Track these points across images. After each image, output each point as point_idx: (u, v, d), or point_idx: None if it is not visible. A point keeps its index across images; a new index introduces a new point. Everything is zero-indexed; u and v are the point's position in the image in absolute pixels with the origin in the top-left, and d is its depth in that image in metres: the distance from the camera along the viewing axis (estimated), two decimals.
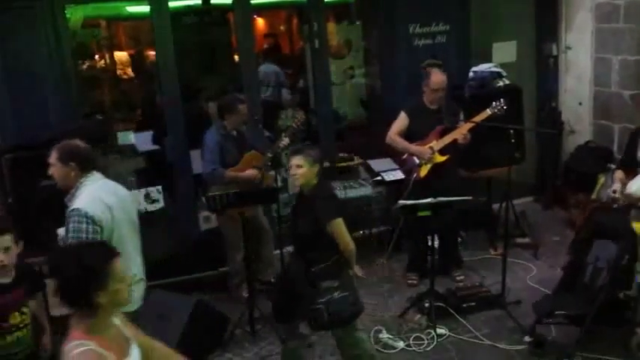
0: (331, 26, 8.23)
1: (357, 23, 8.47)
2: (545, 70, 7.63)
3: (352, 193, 6.06)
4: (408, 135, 5.71)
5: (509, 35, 7.36)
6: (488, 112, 5.47)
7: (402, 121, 5.72)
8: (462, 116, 5.67)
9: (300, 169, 3.99)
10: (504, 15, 7.33)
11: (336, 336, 4.18)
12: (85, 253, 2.40)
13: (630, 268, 4.46)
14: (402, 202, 5.07)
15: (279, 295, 4.45)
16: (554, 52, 7.51)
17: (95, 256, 2.37)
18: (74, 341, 2.30)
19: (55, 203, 4.72)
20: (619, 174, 4.83)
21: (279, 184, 5.81)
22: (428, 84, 5.61)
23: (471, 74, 6.80)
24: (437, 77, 5.57)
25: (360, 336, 4.18)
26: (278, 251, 5.66)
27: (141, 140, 6.77)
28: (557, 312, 4.65)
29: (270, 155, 5.53)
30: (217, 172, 5.46)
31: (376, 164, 6.51)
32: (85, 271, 2.30)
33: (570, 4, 7.32)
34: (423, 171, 5.61)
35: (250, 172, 5.51)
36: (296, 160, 4.00)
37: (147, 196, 6.04)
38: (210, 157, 5.47)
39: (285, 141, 5.54)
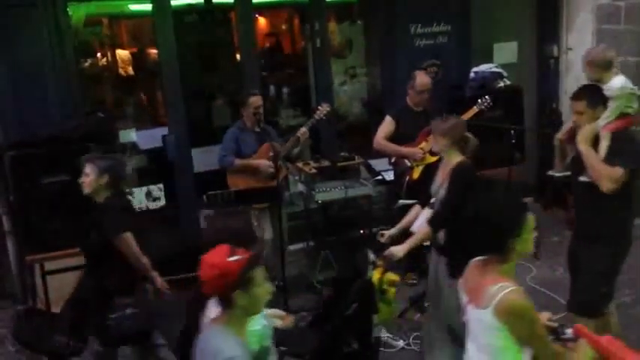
0: (332, 26, 8.25)
1: (359, 23, 8.49)
2: (546, 70, 7.64)
3: (353, 193, 6.06)
4: (396, 138, 5.72)
5: (511, 36, 7.37)
6: (475, 109, 5.54)
7: (388, 125, 5.74)
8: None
9: (87, 178, 3.94)
10: (505, 16, 7.34)
11: (135, 353, 4.18)
12: (511, 205, 2.71)
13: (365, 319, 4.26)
14: (402, 201, 5.08)
15: (72, 311, 4.30)
16: (555, 53, 7.52)
17: (517, 208, 2.67)
18: (498, 284, 2.55)
19: (56, 200, 4.77)
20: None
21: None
22: (413, 86, 5.65)
23: (471, 75, 6.82)
24: (422, 79, 5.63)
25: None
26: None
27: (142, 138, 6.78)
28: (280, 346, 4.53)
29: (290, 144, 5.63)
30: (226, 159, 5.61)
31: (377, 164, 6.52)
32: (511, 220, 2.60)
33: (571, 5, 7.32)
34: (416, 173, 5.62)
35: (260, 162, 5.55)
36: (85, 168, 3.95)
37: (148, 194, 6.05)
38: (224, 145, 5.68)
39: (303, 131, 5.63)
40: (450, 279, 4.08)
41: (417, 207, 4.45)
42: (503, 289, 2.53)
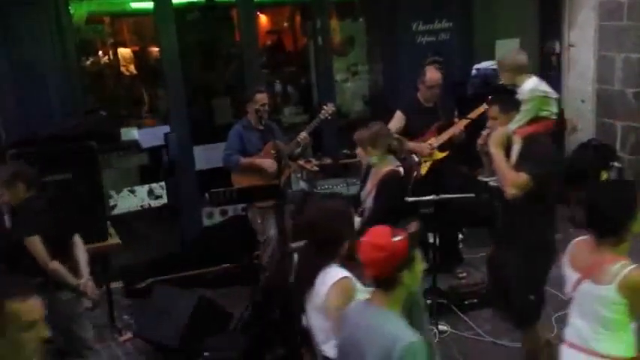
0: (334, 23, 8.24)
1: (361, 20, 8.47)
2: (548, 67, 7.62)
3: (355, 190, 6.06)
4: (406, 133, 5.71)
5: (512, 33, 7.36)
6: (482, 108, 5.49)
7: (398, 120, 5.73)
8: (455, 113, 5.71)
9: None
10: (507, 12, 7.33)
11: None
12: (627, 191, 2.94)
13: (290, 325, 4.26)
14: (405, 198, 5.07)
15: None
16: (557, 50, 7.51)
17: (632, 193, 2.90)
18: (619, 263, 2.78)
19: (58, 198, 4.76)
20: None
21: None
22: (424, 81, 5.63)
23: (473, 72, 6.81)
24: (432, 74, 5.60)
25: None
26: None
27: (144, 136, 6.78)
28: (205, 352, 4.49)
29: (292, 146, 5.64)
30: (232, 158, 5.62)
31: None
32: (628, 204, 2.84)
33: (573, 1, 7.31)
34: (424, 169, 5.62)
35: (264, 161, 5.56)
36: None
37: (150, 192, 6.06)
38: (228, 143, 5.69)
39: (303, 136, 5.67)
40: None
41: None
42: (625, 266, 2.77)
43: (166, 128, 6.62)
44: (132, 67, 9.65)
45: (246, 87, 6.52)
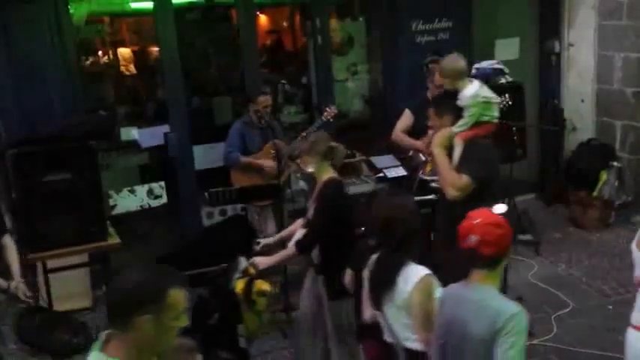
0: (334, 23, 8.23)
1: (360, 20, 8.47)
2: (548, 67, 7.63)
3: (354, 190, 6.05)
4: (414, 132, 5.69)
5: (512, 32, 7.36)
6: None
7: (406, 118, 5.72)
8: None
9: None
10: (507, 12, 7.33)
11: None
12: None
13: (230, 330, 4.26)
14: None
15: None
16: (557, 49, 7.50)
17: None
18: None
19: (58, 198, 4.76)
20: None
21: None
22: (433, 80, 5.60)
23: (473, 71, 6.77)
24: None
25: None
26: None
27: (144, 136, 6.78)
28: None
29: (292, 147, 5.63)
30: (232, 156, 5.67)
31: (378, 161, 6.50)
32: None
33: (573, 1, 7.31)
34: (428, 168, 5.61)
35: (264, 162, 5.57)
36: None
37: (150, 192, 6.05)
38: (229, 141, 5.74)
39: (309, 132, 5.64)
40: (328, 301, 4.02)
41: (301, 219, 4.36)
42: None
43: (166, 128, 6.62)
44: (132, 67, 9.65)
45: (245, 87, 6.53)
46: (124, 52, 9.68)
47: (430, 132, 4.16)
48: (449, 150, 3.95)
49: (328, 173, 4.03)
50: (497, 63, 6.83)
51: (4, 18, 5.63)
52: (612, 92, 6.92)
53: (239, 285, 4.02)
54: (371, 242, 3.35)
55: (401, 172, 6.05)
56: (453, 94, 4.04)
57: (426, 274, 3.04)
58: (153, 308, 1.98)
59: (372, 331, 3.27)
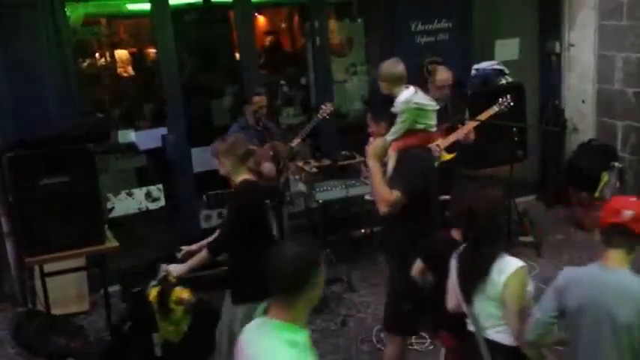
0: (333, 24, 8.20)
1: (359, 20, 8.44)
2: (548, 67, 7.61)
3: (354, 192, 6.02)
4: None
5: (512, 33, 7.33)
6: (495, 108, 5.43)
7: None
8: (467, 114, 5.64)
9: None
10: (507, 12, 7.30)
11: None
12: None
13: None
14: None
15: None
16: (557, 50, 7.48)
17: None
18: None
19: (55, 201, 4.72)
20: None
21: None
22: (434, 81, 5.56)
23: (473, 72, 6.77)
24: (442, 74, 5.52)
25: None
26: None
27: (141, 139, 6.75)
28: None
29: (291, 146, 5.64)
30: None
31: None
32: None
33: (573, 1, 7.29)
34: None
35: (263, 165, 5.55)
36: None
37: (148, 195, 6.02)
38: None
39: (304, 133, 5.69)
40: (233, 305, 3.98)
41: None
42: None
43: (163, 130, 6.59)
44: (129, 69, 9.60)
45: (244, 88, 6.49)
46: (121, 53, 9.64)
47: (371, 139, 4.03)
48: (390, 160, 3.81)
49: (243, 175, 3.97)
50: (498, 63, 6.81)
51: (0, 20, 5.59)
52: (613, 92, 6.89)
53: (152, 293, 3.96)
54: (455, 234, 3.37)
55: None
56: (392, 99, 3.91)
57: (521, 266, 3.07)
58: (314, 274, 2.31)
59: (452, 321, 3.29)
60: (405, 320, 3.93)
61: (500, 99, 5.43)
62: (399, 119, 3.81)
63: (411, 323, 3.99)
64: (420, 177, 3.77)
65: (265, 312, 2.37)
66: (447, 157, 5.52)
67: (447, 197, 4.81)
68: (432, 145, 5.50)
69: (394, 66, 4.09)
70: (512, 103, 5.40)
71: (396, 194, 3.65)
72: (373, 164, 3.79)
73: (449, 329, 3.46)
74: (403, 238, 3.83)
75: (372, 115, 3.99)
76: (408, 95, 3.84)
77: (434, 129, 3.99)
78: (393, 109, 3.84)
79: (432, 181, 3.93)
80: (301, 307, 2.32)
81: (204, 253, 4.00)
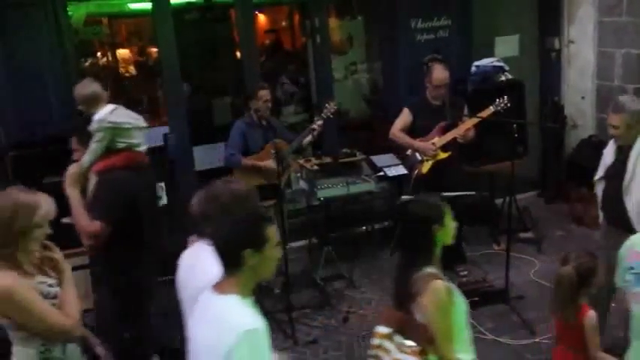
0: (333, 22, 8.23)
1: (359, 18, 8.46)
2: (548, 64, 7.61)
3: (355, 189, 6.04)
4: (412, 131, 5.70)
5: (512, 29, 7.34)
6: (492, 109, 5.44)
7: (405, 117, 5.72)
8: (466, 111, 5.66)
9: None
10: (507, 9, 7.30)
11: None
12: None
13: None
14: (405, 197, 5.07)
15: None
16: (557, 46, 7.48)
17: None
18: None
19: (58, 201, 4.75)
20: None
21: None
22: (430, 80, 5.59)
23: (473, 69, 6.79)
24: (439, 73, 5.55)
25: None
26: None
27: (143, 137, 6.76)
28: None
29: (294, 145, 5.64)
30: (234, 158, 5.62)
31: (379, 160, 6.50)
32: None
33: None
34: (425, 167, 5.61)
35: (265, 163, 5.58)
36: None
37: None
38: (231, 143, 5.69)
39: (314, 128, 5.66)
40: None
41: None
42: None
43: (165, 129, 6.61)
44: (130, 68, 9.64)
45: (245, 87, 6.51)
46: (123, 53, 9.68)
47: (73, 164, 3.69)
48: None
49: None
50: (498, 60, 6.83)
51: (2, 20, 5.62)
52: (613, 89, 6.89)
53: None
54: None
55: (401, 170, 6.05)
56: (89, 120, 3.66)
57: None
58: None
59: None
60: (134, 345, 3.75)
61: (498, 99, 5.44)
62: (94, 140, 3.56)
63: (144, 347, 3.83)
64: (120, 201, 3.51)
65: None
66: (443, 155, 5.55)
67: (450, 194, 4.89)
68: (428, 143, 5.56)
69: (84, 87, 3.96)
70: (508, 104, 5.41)
71: (96, 225, 3.40)
72: (70, 192, 3.47)
73: None
74: (114, 269, 3.66)
75: (77, 138, 3.68)
76: (102, 114, 3.59)
77: (141, 147, 3.72)
78: (90, 129, 3.58)
79: (139, 204, 3.63)
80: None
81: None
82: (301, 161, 6.20)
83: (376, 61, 7.72)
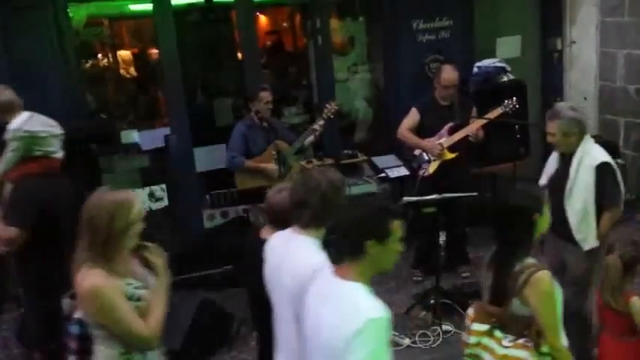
0: (334, 22, 8.22)
1: (361, 19, 8.45)
2: (550, 64, 7.59)
3: (356, 190, 6.04)
4: (420, 131, 5.67)
5: (514, 30, 7.33)
6: (500, 110, 5.41)
7: (412, 116, 5.69)
8: (474, 112, 5.64)
9: None
10: (508, 10, 7.30)
11: None
12: None
13: None
14: (406, 198, 5.05)
15: None
16: (559, 47, 7.47)
17: None
18: None
19: None
20: None
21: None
22: (439, 80, 5.56)
23: (475, 69, 6.78)
24: (448, 74, 5.52)
25: None
26: None
27: (144, 139, 6.77)
28: None
29: (296, 147, 5.63)
30: (236, 161, 5.62)
31: (380, 161, 6.49)
32: None
33: None
34: (432, 167, 5.59)
35: (267, 166, 5.57)
36: None
37: (151, 195, 6.03)
38: (233, 145, 5.68)
39: (316, 128, 5.65)
40: None
41: None
42: None
43: (166, 130, 6.60)
44: (132, 70, 9.64)
45: (246, 88, 6.50)
46: (124, 54, 9.67)
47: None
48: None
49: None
50: (499, 61, 6.81)
51: (3, 21, 5.62)
52: (615, 89, 6.88)
53: None
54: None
55: (403, 171, 6.04)
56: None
57: None
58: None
59: None
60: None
61: (506, 101, 5.40)
62: (8, 149, 3.59)
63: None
64: (35, 208, 3.51)
65: None
66: (450, 156, 5.52)
67: (443, 196, 4.87)
68: (435, 144, 5.54)
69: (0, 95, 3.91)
70: (517, 106, 5.37)
71: (12, 230, 3.42)
72: None
73: None
74: (32, 276, 3.66)
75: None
76: (18, 123, 3.62)
77: (57, 154, 3.74)
78: (6, 137, 3.61)
79: (56, 211, 3.61)
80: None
81: None
82: (303, 162, 6.19)
83: (378, 62, 7.70)
